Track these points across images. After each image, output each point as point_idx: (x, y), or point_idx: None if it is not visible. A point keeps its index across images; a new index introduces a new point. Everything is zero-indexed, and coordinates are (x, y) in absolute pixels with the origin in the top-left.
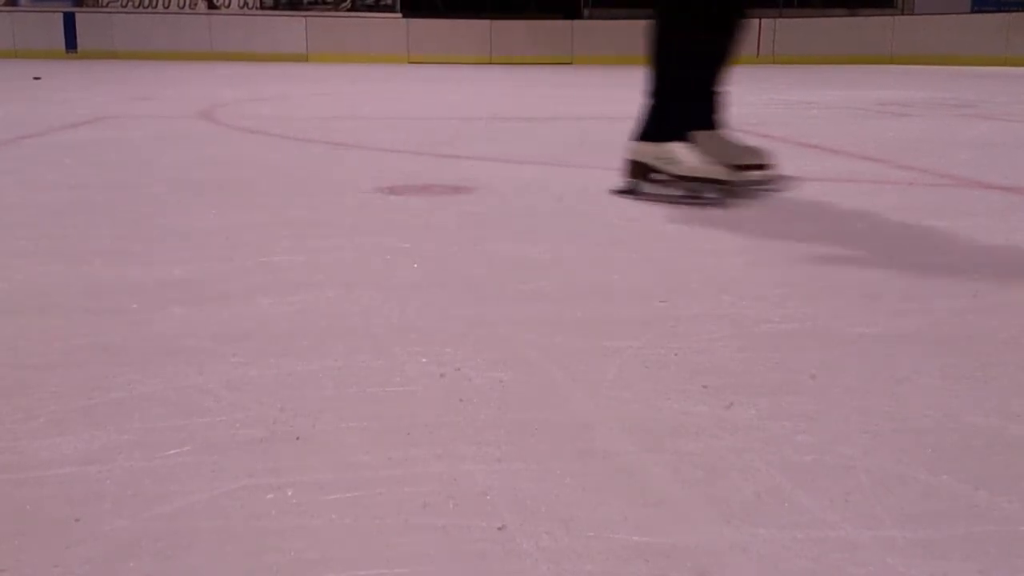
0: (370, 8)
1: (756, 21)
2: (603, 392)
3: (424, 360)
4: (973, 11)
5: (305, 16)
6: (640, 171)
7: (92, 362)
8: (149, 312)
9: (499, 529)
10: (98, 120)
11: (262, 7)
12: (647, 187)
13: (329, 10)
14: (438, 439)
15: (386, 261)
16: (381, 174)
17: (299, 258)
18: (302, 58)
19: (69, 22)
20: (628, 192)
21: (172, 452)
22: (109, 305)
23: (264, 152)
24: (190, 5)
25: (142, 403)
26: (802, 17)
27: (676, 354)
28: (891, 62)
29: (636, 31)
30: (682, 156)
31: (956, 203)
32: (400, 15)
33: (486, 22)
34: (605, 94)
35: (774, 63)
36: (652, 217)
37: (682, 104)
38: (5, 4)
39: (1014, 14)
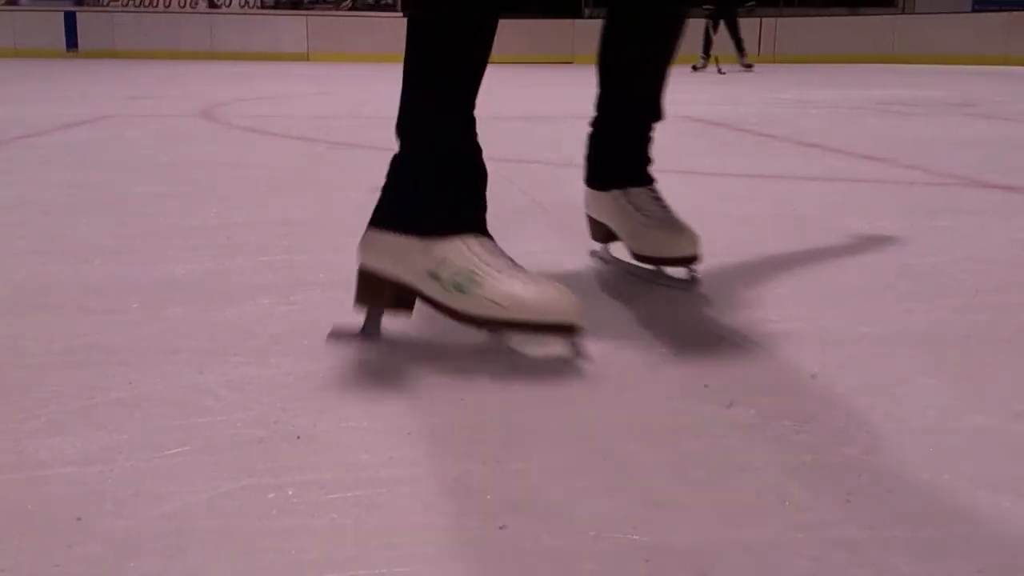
0: (371, 7)
1: (757, 20)
2: (603, 392)
3: (424, 359)
4: (974, 10)
5: (306, 15)
6: None
7: (92, 362)
8: (149, 311)
9: (499, 529)
10: (99, 119)
11: (263, 6)
12: None
13: (330, 9)
14: (438, 438)
15: None
16: (382, 173)
17: (300, 257)
18: (303, 57)
19: (70, 21)
20: None
21: (172, 452)
22: (109, 305)
23: (265, 151)
24: (191, 4)
25: (142, 403)
26: (802, 16)
27: (676, 354)
28: (892, 61)
29: None
30: None
31: (957, 202)
32: (401, 14)
33: None
34: None
35: (775, 62)
36: None
37: None
38: (6, 3)
39: (1015, 13)
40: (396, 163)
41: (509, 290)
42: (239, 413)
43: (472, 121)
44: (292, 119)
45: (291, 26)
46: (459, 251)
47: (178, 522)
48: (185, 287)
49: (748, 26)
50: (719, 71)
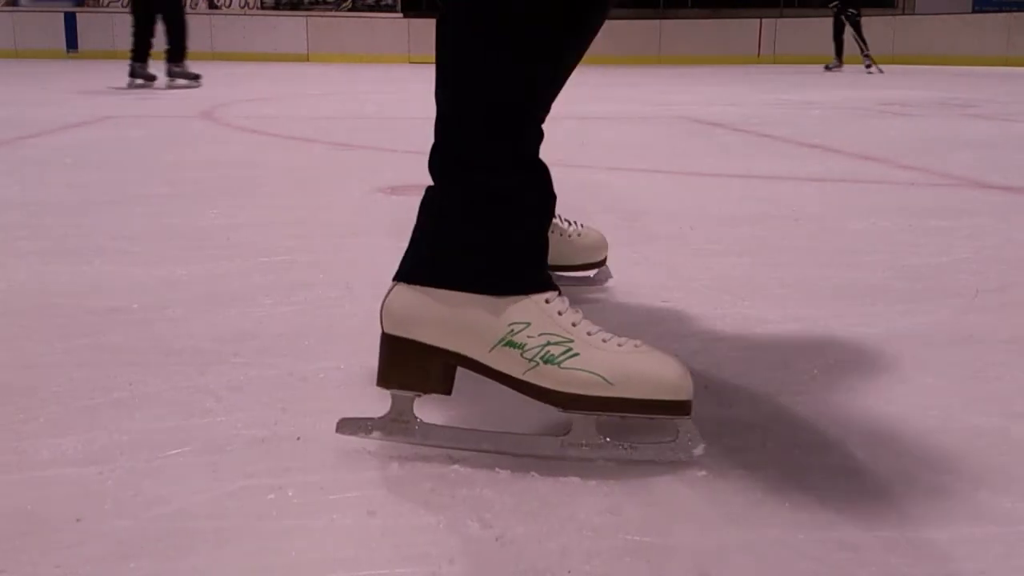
0: (371, 8)
1: (757, 21)
2: None
3: None
4: (974, 11)
5: (306, 16)
6: None
7: (93, 362)
8: (150, 312)
9: (500, 531)
10: (99, 120)
11: (263, 7)
12: None
13: (330, 10)
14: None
15: (388, 261)
16: (382, 174)
17: (300, 258)
18: (303, 58)
19: (70, 22)
20: None
21: (173, 452)
22: (110, 305)
23: (265, 152)
24: (191, 5)
25: (143, 403)
26: (803, 17)
27: (676, 354)
28: (892, 62)
29: (637, 30)
30: None
31: (957, 203)
32: (401, 15)
33: None
34: (606, 93)
35: (775, 63)
36: (652, 219)
37: None
38: (6, 4)
39: (1015, 14)
40: (440, 202)
41: (615, 361)
42: (240, 414)
43: (539, 143)
44: (292, 120)
45: (291, 27)
46: (543, 312)
47: (179, 523)
48: (186, 287)
49: (749, 27)
50: (871, 71)
